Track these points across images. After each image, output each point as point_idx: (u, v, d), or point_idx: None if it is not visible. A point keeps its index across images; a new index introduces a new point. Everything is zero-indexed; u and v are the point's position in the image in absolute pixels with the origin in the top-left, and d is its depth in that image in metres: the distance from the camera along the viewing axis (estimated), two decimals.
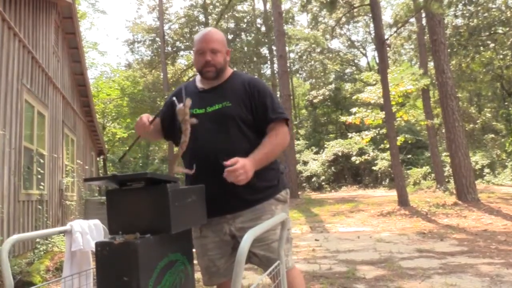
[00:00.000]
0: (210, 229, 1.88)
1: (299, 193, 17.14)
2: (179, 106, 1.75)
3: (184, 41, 25.36)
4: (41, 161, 6.93)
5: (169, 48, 25.01)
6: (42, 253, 5.54)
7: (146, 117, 1.85)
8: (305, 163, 24.35)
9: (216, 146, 1.83)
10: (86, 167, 12.38)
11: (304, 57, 28.94)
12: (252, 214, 1.84)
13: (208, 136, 1.86)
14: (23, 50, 6.20)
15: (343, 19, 24.81)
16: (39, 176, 6.75)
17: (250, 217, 1.83)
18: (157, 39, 24.69)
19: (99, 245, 1.37)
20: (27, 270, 4.60)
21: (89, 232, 2.05)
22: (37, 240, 5.79)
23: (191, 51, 27.33)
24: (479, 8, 18.73)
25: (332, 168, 23.29)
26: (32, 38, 6.77)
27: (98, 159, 18.29)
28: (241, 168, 1.67)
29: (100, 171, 23.07)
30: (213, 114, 1.88)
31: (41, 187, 6.75)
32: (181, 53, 26.84)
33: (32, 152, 6.54)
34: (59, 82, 8.79)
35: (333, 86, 29.04)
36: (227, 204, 1.83)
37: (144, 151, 31.45)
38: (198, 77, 2.08)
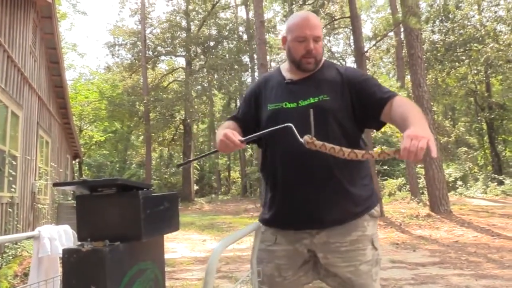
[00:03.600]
0: (285, 238, 1.66)
1: None
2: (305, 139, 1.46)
3: (166, 46, 25.21)
4: (14, 162, 6.75)
5: (150, 53, 24.81)
6: (11, 257, 5.37)
7: (232, 134, 1.56)
8: None
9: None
10: (61, 170, 12.12)
11: None
12: (341, 228, 1.60)
13: (302, 134, 1.56)
14: None
15: (324, 30, 25.13)
16: (11, 178, 6.56)
17: (339, 231, 1.60)
18: (138, 43, 24.47)
19: (66, 252, 1.33)
20: None
21: (58, 238, 1.99)
22: (6, 244, 5.62)
23: (172, 56, 27.37)
24: (455, 25, 19.27)
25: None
26: (9, 37, 6.61)
27: (73, 162, 17.93)
28: (422, 133, 1.25)
29: (75, 174, 22.61)
30: (308, 108, 1.58)
31: (13, 189, 6.56)
32: (162, 57, 26.67)
33: (4, 153, 6.36)
34: (35, 83, 8.60)
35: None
36: (321, 216, 1.59)
37: (121, 155, 31.01)
38: (283, 66, 1.83)
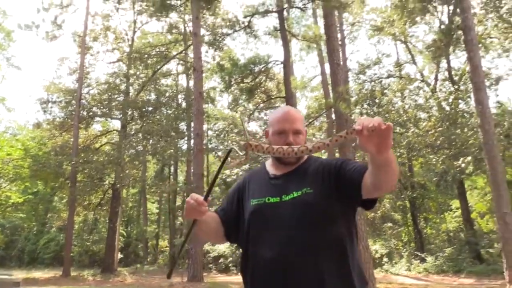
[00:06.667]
0: None
1: (204, 275, 16.42)
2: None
3: (102, 107, 24.62)
4: None
5: (85, 113, 24.03)
6: None
7: (196, 195, 1.54)
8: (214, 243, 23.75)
9: (296, 243, 1.53)
10: None
11: (222, 136, 29.50)
12: None
13: (285, 231, 1.56)
14: None
15: (262, 105, 26.01)
16: None
17: None
18: (73, 101, 23.72)
19: None
20: None
21: None
22: None
23: (108, 118, 26.69)
24: (380, 110, 20.76)
25: (241, 249, 22.88)
26: None
27: None
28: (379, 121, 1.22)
29: None
30: (290, 203, 1.60)
31: None
32: (97, 119, 25.90)
33: None
34: None
35: (247, 166, 29.52)
36: None
37: (41, 218, 28.64)
38: (268, 162, 1.82)
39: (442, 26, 18.63)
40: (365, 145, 1.26)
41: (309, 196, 1.61)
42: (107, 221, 22.99)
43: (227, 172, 24.44)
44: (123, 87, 24.93)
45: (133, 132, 24.47)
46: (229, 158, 1.54)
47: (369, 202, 1.61)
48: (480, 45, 15.55)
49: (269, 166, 1.80)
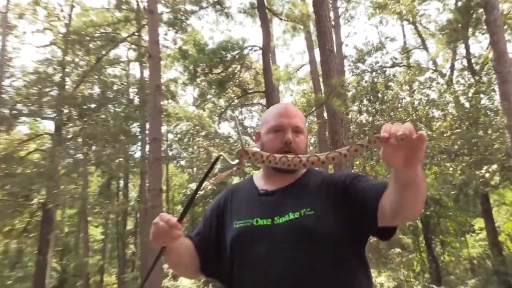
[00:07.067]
0: None
1: None
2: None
3: (29, 104, 24.15)
4: None
5: (6, 111, 23.52)
6: None
7: (166, 215, 1.52)
8: (175, 277, 23.51)
9: (293, 277, 1.52)
10: None
11: (186, 140, 29.32)
12: None
13: (280, 261, 1.55)
14: None
15: (236, 101, 26.01)
16: None
17: None
18: None
19: None
20: None
21: None
22: None
23: (37, 118, 26.21)
24: (384, 107, 20.95)
25: (210, 285, 22.75)
26: None
27: None
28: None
29: None
30: (286, 227, 1.59)
31: None
32: (22, 119, 25.38)
33: None
34: None
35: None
36: None
37: None
38: (257, 175, 1.84)
39: (459, 3, 18.97)
40: (390, 157, 1.26)
41: (309, 218, 1.59)
42: (36, 252, 22.55)
43: (192, 185, 24.21)
44: (57, 78, 24.55)
45: (70, 136, 24.11)
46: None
47: (386, 231, 1.59)
48: (505, 27, 15.89)
49: (258, 179, 1.80)
